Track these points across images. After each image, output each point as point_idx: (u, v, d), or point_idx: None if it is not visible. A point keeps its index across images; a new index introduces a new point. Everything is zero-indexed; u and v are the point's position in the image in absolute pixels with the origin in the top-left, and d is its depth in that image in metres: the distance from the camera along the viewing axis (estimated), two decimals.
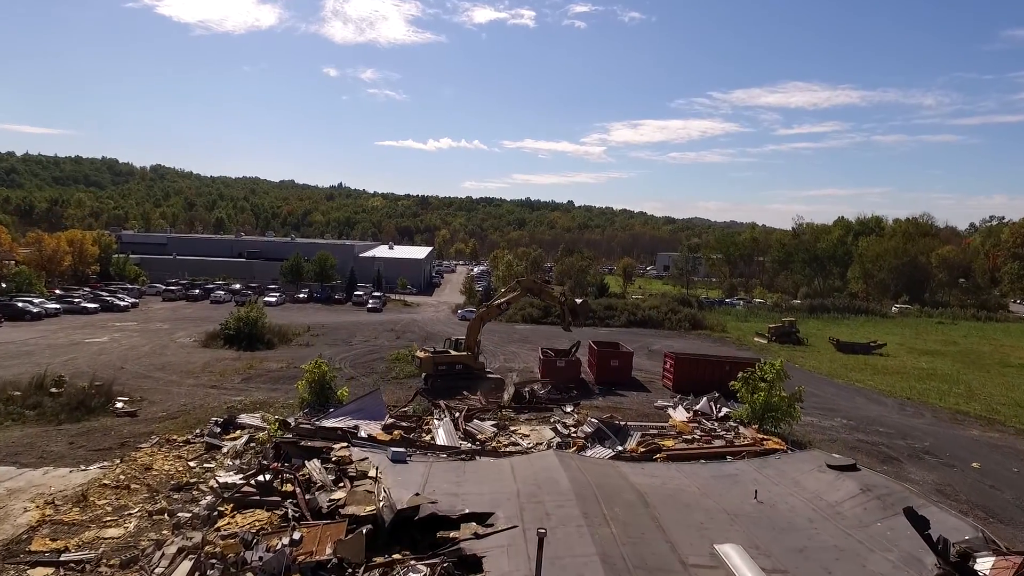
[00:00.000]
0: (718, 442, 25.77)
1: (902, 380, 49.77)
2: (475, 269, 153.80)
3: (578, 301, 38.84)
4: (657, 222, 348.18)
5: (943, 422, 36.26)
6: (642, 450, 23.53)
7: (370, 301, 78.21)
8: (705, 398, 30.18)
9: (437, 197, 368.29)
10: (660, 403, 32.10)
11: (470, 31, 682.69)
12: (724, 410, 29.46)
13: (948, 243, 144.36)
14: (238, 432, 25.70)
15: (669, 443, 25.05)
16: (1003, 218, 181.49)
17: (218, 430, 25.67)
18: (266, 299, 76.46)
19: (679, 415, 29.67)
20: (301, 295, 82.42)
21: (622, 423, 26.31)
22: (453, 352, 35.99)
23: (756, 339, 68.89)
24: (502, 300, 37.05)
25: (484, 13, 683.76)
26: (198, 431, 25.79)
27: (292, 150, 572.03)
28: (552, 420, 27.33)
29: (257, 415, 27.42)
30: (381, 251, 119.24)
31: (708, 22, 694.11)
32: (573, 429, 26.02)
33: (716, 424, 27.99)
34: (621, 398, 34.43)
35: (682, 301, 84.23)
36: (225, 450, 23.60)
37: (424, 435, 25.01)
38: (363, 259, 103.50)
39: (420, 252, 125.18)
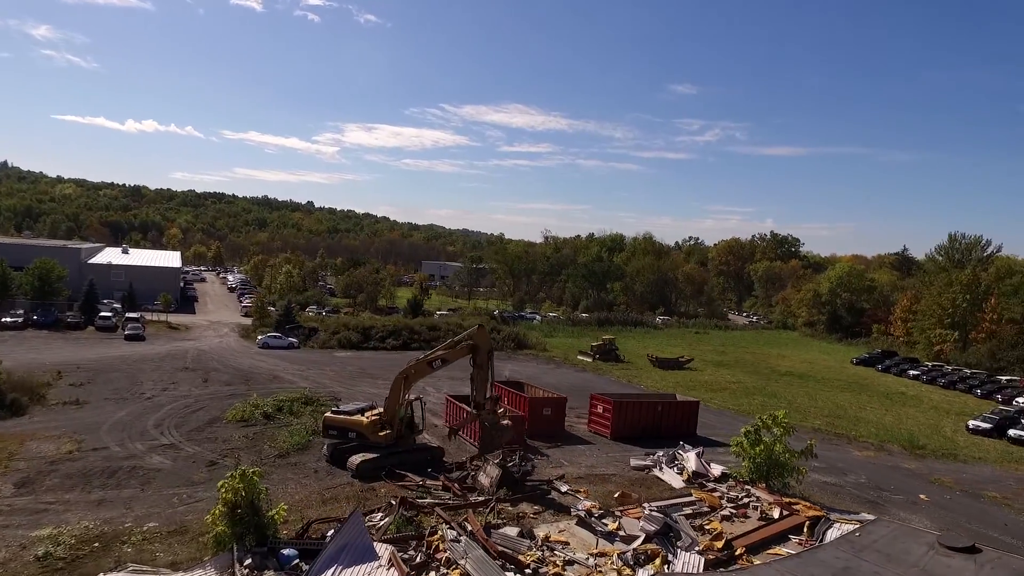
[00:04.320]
0: (753, 514, 22.80)
1: (734, 397, 53.67)
2: (230, 278, 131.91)
3: (506, 423, 26.14)
4: (402, 228, 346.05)
5: (827, 444, 38.72)
6: (718, 546, 19.24)
7: (128, 326, 59.56)
8: (694, 455, 27.04)
9: (149, 188, 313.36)
10: (636, 462, 28.03)
11: (184, 3, 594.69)
12: (716, 467, 26.72)
13: (679, 261, 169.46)
14: None
15: (716, 525, 21.24)
16: (698, 239, 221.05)
17: None
18: None
19: (671, 478, 26.08)
20: (12, 319, 59.37)
21: (657, 508, 21.63)
22: (366, 417, 27.02)
23: (580, 357, 69.58)
24: (435, 356, 27.82)
25: None
26: None
27: None
28: (572, 512, 21.31)
29: None
30: (116, 256, 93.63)
31: (441, 36, 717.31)
32: (607, 523, 20.48)
33: (724, 487, 25.04)
34: (580, 456, 29.50)
35: (500, 319, 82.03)
36: None
37: (445, 569, 17.08)
38: (95, 267, 79.89)
39: (171, 258, 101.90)
